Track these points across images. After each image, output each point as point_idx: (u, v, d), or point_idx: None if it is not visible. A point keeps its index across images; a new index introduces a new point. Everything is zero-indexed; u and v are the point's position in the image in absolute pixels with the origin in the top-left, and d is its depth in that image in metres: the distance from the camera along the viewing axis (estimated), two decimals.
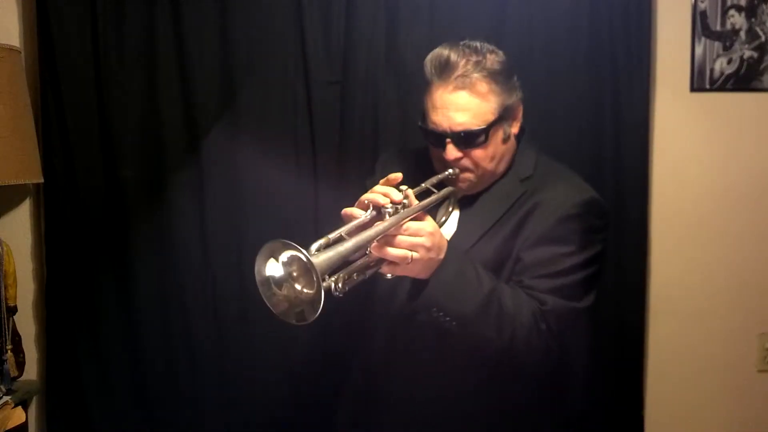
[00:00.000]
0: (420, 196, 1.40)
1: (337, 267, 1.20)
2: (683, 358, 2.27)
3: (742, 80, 2.19)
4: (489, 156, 1.47)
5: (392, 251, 1.29)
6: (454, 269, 1.36)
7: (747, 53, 2.18)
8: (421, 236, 1.31)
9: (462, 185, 1.50)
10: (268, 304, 1.20)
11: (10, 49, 2.00)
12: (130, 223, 2.14)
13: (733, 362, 2.27)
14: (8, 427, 2.00)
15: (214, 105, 2.12)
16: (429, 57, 1.46)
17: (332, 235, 1.24)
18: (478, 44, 1.46)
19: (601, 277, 1.52)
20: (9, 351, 2.10)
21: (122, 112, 2.11)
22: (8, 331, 2.10)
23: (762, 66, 2.18)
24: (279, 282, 1.20)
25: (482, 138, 1.43)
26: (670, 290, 2.25)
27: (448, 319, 1.36)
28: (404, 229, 1.31)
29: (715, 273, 2.25)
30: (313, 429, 2.13)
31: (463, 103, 1.42)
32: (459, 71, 1.41)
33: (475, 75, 1.41)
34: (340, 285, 1.23)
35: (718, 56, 2.18)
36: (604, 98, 2.12)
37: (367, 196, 1.36)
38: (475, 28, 2.06)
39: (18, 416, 2.04)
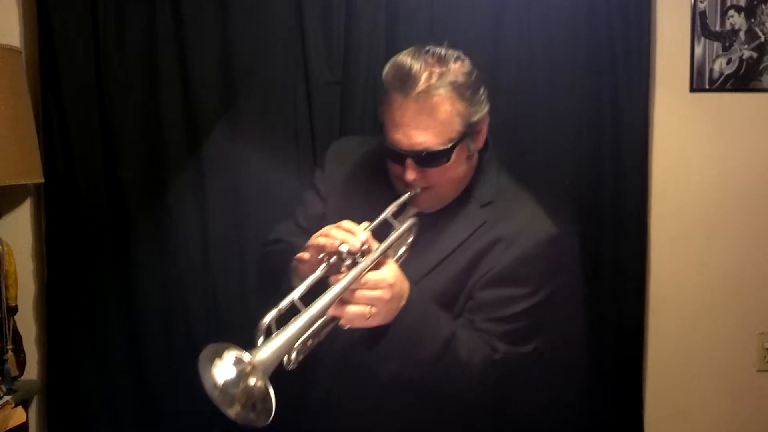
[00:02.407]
0: (381, 230, 1.31)
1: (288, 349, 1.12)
2: (682, 357, 2.27)
3: (741, 80, 2.19)
4: (452, 174, 1.38)
5: (350, 310, 1.20)
6: (415, 318, 1.28)
7: (746, 53, 2.18)
8: (380, 289, 1.23)
9: (421, 205, 1.41)
10: (226, 411, 1.11)
11: (11, 50, 2.00)
12: (131, 224, 2.14)
13: (732, 361, 2.28)
14: (9, 427, 2.00)
15: (214, 105, 2.12)
16: (389, 65, 1.35)
17: (283, 304, 1.15)
18: (443, 51, 1.35)
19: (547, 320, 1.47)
20: (10, 351, 2.10)
21: (123, 112, 2.11)
22: (9, 330, 2.11)
23: (761, 66, 2.18)
24: (232, 382, 1.09)
25: (445, 158, 1.34)
26: (670, 290, 2.25)
27: (397, 366, 1.32)
28: (363, 282, 1.21)
29: (715, 272, 2.26)
30: (314, 428, 2.14)
31: (424, 121, 1.31)
32: (421, 86, 1.30)
33: (439, 91, 1.30)
34: (293, 357, 1.15)
35: (718, 56, 2.18)
36: (604, 98, 2.12)
37: (318, 242, 1.26)
38: (475, 29, 2.07)
39: (18, 416, 2.04)
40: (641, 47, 2.11)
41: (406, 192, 1.38)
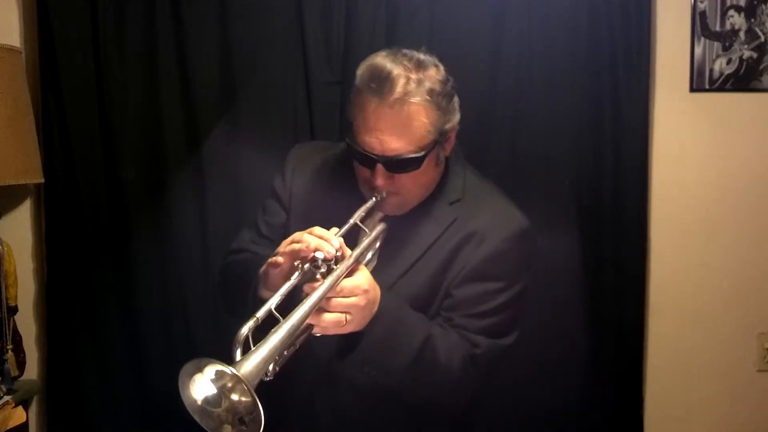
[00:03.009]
0: (347, 235, 1.29)
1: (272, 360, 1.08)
2: (682, 357, 2.27)
3: (741, 80, 2.19)
4: (420, 181, 1.37)
5: (326, 318, 1.18)
6: (388, 324, 1.27)
7: (746, 53, 2.18)
8: (356, 295, 1.21)
9: (388, 209, 1.40)
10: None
11: (11, 50, 2.00)
12: (131, 223, 2.14)
13: (732, 362, 2.28)
14: (9, 427, 2.00)
15: (214, 105, 2.12)
16: (366, 65, 1.34)
17: (260, 314, 1.12)
18: (421, 56, 1.33)
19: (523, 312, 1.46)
20: (10, 351, 2.10)
21: (123, 112, 2.11)
22: (9, 330, 2.10)
23: (761, 66, 2.18)
24: (214, 401, 1.05)
25: (416, 165, 1.33)
26: (670, 290, 2.25)
27: (375, 374, 1.30)
28: (338, 289, 1.19)
29: (715, 272, 2.25)
30: (314, 428, 2.14)
31: (399, 128, 1.29)
32: (398, 92, 1.27)
33: (416, 99, 1.28)
34: (270, 368, 1.10)
35: (718, 56, 2.18)
36: (604, 98, 2.13)
37: (292, 248, 1.22)
38: (475, 29, 2.08)
39: (18, 416, 2.04)
40: (641, 47, 2.11)
41: (372, 195, 1.36)
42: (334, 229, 1.27)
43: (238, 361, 1.03)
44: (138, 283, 2.15)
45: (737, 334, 2.27)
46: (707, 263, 2.25)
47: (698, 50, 2.18)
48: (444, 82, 1.33)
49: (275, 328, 1.10)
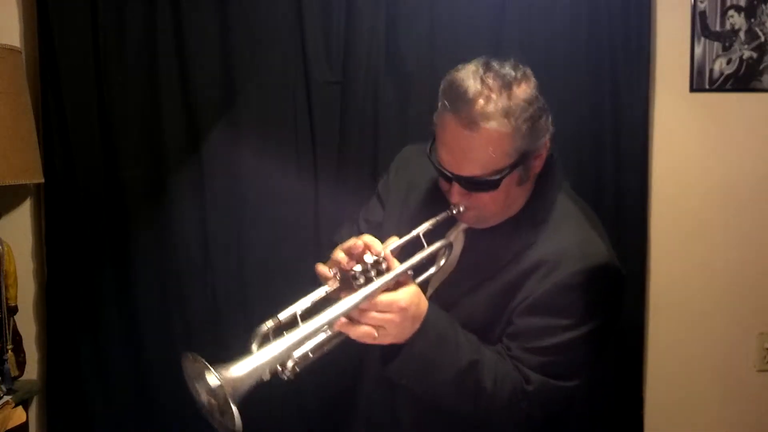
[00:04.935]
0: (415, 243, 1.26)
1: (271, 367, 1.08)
2: (682, 357, 2.27)
3: (741, 80, 2.19)
4: (500, 200, 1.29)
5: (357, 329, 1.16)
6: (430, 341, 1.21)
7: (746, 53, 2.18)
8: (391, 312, 1.17)
9: (469, 221, 1.34)
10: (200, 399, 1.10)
11: (11, 50, 1.99)
12: (131, 223, 2.14)
13: (732, 362, 2.28)
14: (9, 427, 2.00)
15: (214, 105, 2.12)
16: (448, 78, 1.25)
17: (282, 316, 1.12)
18: (507, 71, 1.23)
19: (603, 353, 1.37)
20: (9, 351, 2.10)
21: (122, 112, 2.11)
22: (9, 330, 2.10)
23: (761, 66, 2.18)
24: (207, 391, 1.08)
25: (492, 187, 1.25)
26: (670, 290, 2.25)
27: (411, 386, 1.27)
28: (374, 303, 1.16)
29: (715, 273, 2.26)
30: (314, 429, 2.14)
31: (473, 151, 1.22)
32: (474, 112, 1.19)
33: (491, 123, 1.19)
34: (288, 368, 1.11)
35: (718, 56, 2.18)
36: (604, 98, 2.13)
37: (336, 257, 1.21)
38: (474, 31, 2.07)
39: (18, 416, 2.04)
40: (641, 47, 2.11)
41: (452, 206, 1.32)
42: (393, 239, 1.25)
43: (228, 364, 1.05)
44: (138, 283, 2.15)
45: (737, 334, 2.27)
46: (707, 263, 2.25)
47: (698, 50, 2.18)
48: (530, 102, 1.24)
49: (288, 333, 1.10)
